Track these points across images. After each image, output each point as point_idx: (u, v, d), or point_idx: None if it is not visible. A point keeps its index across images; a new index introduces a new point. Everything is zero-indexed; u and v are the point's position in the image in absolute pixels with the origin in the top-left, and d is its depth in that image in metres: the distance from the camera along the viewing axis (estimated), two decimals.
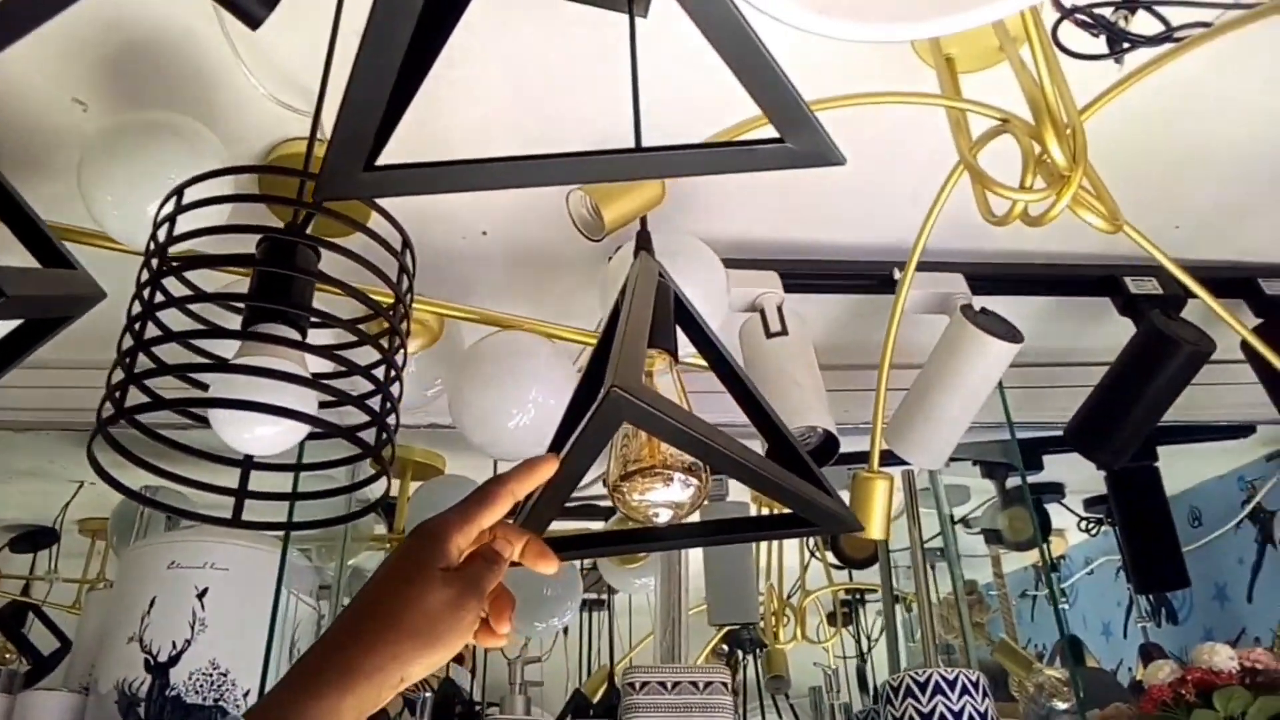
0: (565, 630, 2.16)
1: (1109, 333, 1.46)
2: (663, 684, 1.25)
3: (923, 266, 1.42)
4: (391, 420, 0.77)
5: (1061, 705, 1.86)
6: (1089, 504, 2.34)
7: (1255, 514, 2.17)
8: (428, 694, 1.45)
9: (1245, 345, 1.30)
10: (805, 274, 1.40)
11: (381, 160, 0.67)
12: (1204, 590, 2.31)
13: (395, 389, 0.77)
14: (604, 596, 2.25)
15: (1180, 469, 2.31)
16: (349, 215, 0.80)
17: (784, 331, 1.29)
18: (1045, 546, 2.37)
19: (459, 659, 2.08)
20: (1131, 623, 2.43)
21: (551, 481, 0.65)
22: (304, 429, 0.75)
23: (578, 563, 2.00)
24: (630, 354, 0.60)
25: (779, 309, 1.32)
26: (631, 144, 0.76)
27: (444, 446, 1.87)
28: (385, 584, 0.55)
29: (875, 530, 1.17)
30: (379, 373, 0.76)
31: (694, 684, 1.25)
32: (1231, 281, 1.47)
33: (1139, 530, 1.78)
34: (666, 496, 0.74)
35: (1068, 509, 2.35)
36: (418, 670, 0.53)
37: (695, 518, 0.82)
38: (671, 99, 1.03)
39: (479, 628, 0.57)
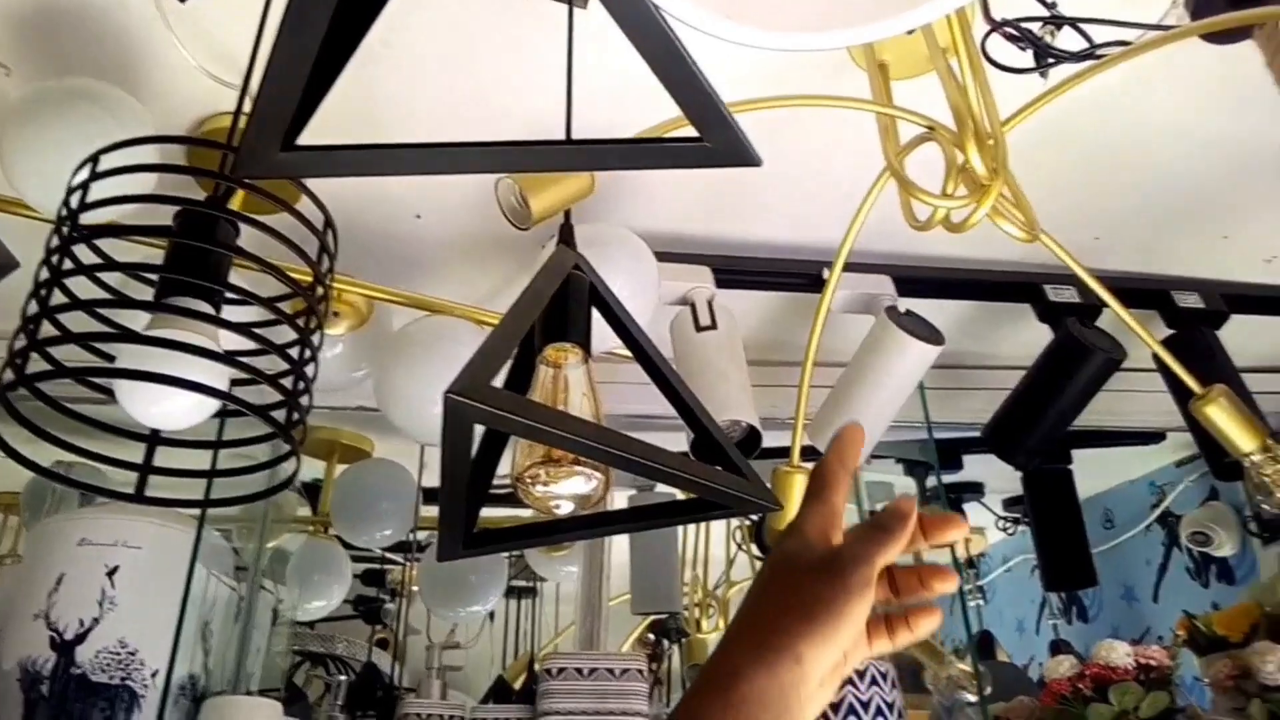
0: (491, 617, 2.16)
1: (1028, 338, 1.50)
2: (579, 670, 1.26)
3: (852, 268, 1.45)
4: (305, 400, 0.76)
5: (969, 697, 1.92)
6: (1008, 504, 2.41)
7: (1164, 518, 2.26)
8: (342, 677, 1.44)
9: (1157, 355, 1.35)
10: (737, 270, 1.41)
11: (307, 139, 0.67)
12: (1113, 590, 2.40)
13: (310, 369, 0.77)
14: (533, 584, 2.26)
15: (1095, 473, 2.38)
16: (272, 192, 0.79)
17: (713, 326, 1.31)
18: (959, 545, 2.44)
19: (383, 643, 2.08)
20: (1044, 620, 2.51)
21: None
22: (213, 405, 0.74)
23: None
24: (487, 356, 0.61)
25: (709, 304, 1.33)
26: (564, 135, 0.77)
27: (374, 430, 1.85)
28: (758, 583, 0.57)
29: None
30: (295, 352, 0.76)
31: (610, 671, 1.26)
32: (1146, 293, 1.52)
33: (1051, 530, 1.83)
34: (568, 489, 0.75)
35: (987, 508, 2.41)
36: (810, 651, 0.51)
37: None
38: (609, 91, 1.03)
39: (890, 619, 0.56)
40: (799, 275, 1.43)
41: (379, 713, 1.57)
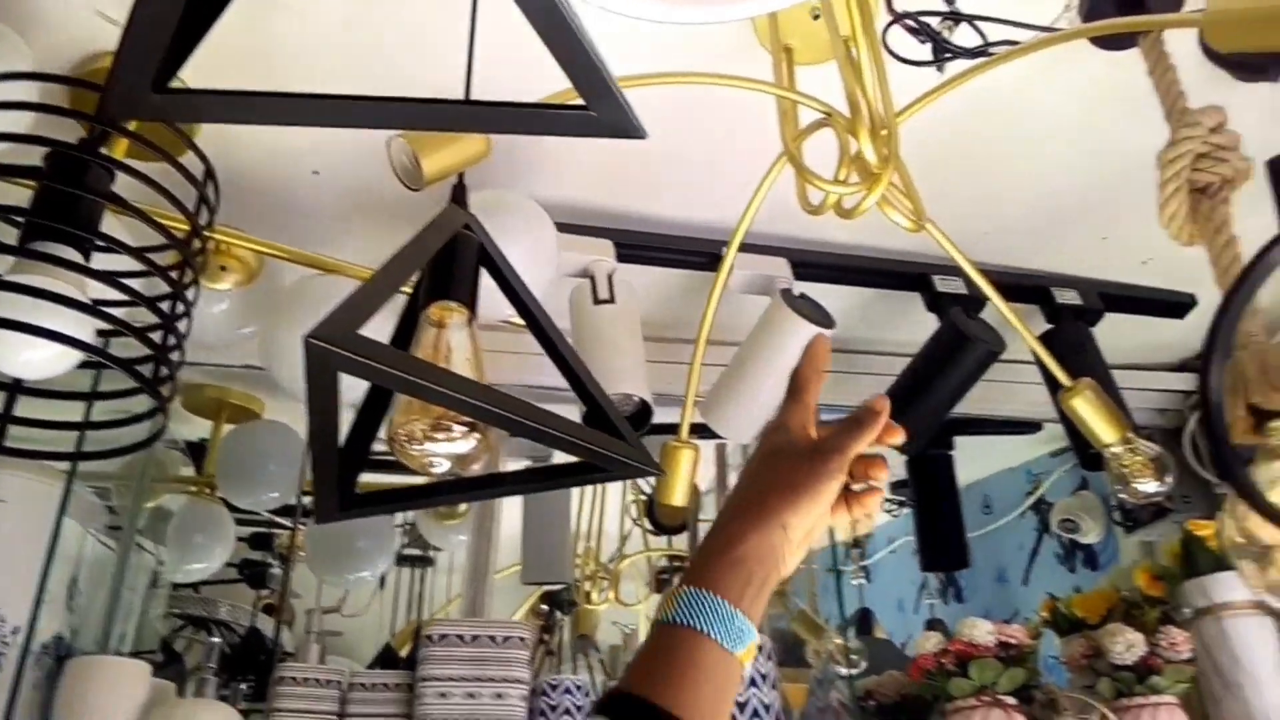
0: (383, 584, 2.15)
1: (917, 327, 1.55)
2: (460, 637, 1.26)
3: (750, 249, 1.47)
4: (176, 356, 0.74)
5: (845, 671, 1.99)
6: (895, 487, 2.49)
7: (1037, 505, 2.36)
8: (216, 640, 1.42)
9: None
10: (639, 245, 1.42)
11: (198, 83, 0.64)
12: (987, 573, 2.50)
13: (183, 324, 0.74)
14: (426, 553, 2.24)
15: (977, 460, 2.48)
16: (152, 140, 0.76)
17: (611, 299, 1.31)
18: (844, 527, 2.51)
19: (270, 609, 2.04)
20: (922, 600, 2.61)
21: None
22: (77, 356, 0.71)
23: (396, 516, 1.99)
24: (355, 304, 0.61)
25: (609, 277, 1.34)
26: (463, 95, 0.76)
27: (264, 390, 1.80)
28: (748, 468, 0.69)
29: (677, 496, 1.21)
30: (168, 306, 0.73)
31: (492, 638, 1.27)
32: (1029, 288, 1.58)
33: (930, 513, 1.90)
34: (445, 448, 0.74)
35: None
36: (795, 520, 0.63)
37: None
38: (512, 55, 1.02)
39: (847, 501, 0.68)
40: (699, 254, 1.45)
41: (259, 678, 1.54)
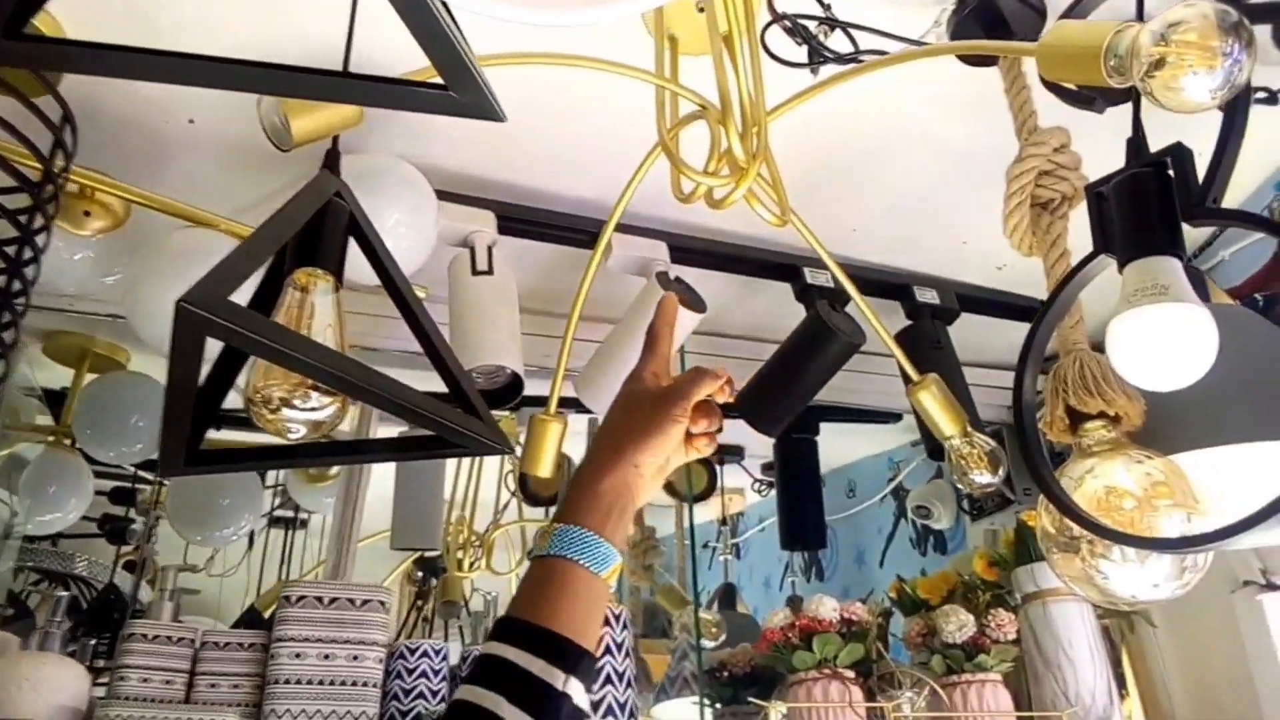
0: (251, 543, 2.12)
1: (789, 316, 1.61)
2: (319, 599, 1.27)
3: (631, 230, 1.51)
4: (22, 302, 0.73)
5: (709, 643, 2.06)
6: (765, 468, 2.58)
7: (897, 491, 2.48)
8: (64, 593, 1.39)
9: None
10: (521, 219, 1.44)
11: (75, 33, 0.64)
12: (848, 554, 2.62)
13: (31, 270, 0.73)
14: (297, 515, 2.22)
15: (844, 447, 2.59)
16: (6, 79, 0.74)
17: (490, 271, 1.33)
18: (720, 501, 2.59)
19: (132, 565, 1.99)
20: (787, 578, 2.72)
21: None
22: None
23: (266, 476, 1.96)
24: (228, 270, 0.62)
25: (489, 248, 1.35)
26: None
27: (130, 340, 1.76)
28: (609, 413, 0.76)
29: (543, 468, 1.25)
30: (14, 250, 0.72)
31: (351, 601, 1.28)
32: (892, 286, 1.67)
33: (792, 494, 1.99)
34: (302, 414, 0.76)
35: (746, 470, 2.57)
36: (645, 459, 0.72)
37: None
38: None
39: (690, 440, 0.76)
40: (581, 231, 1.48)
41: (115, 635, 1.51)
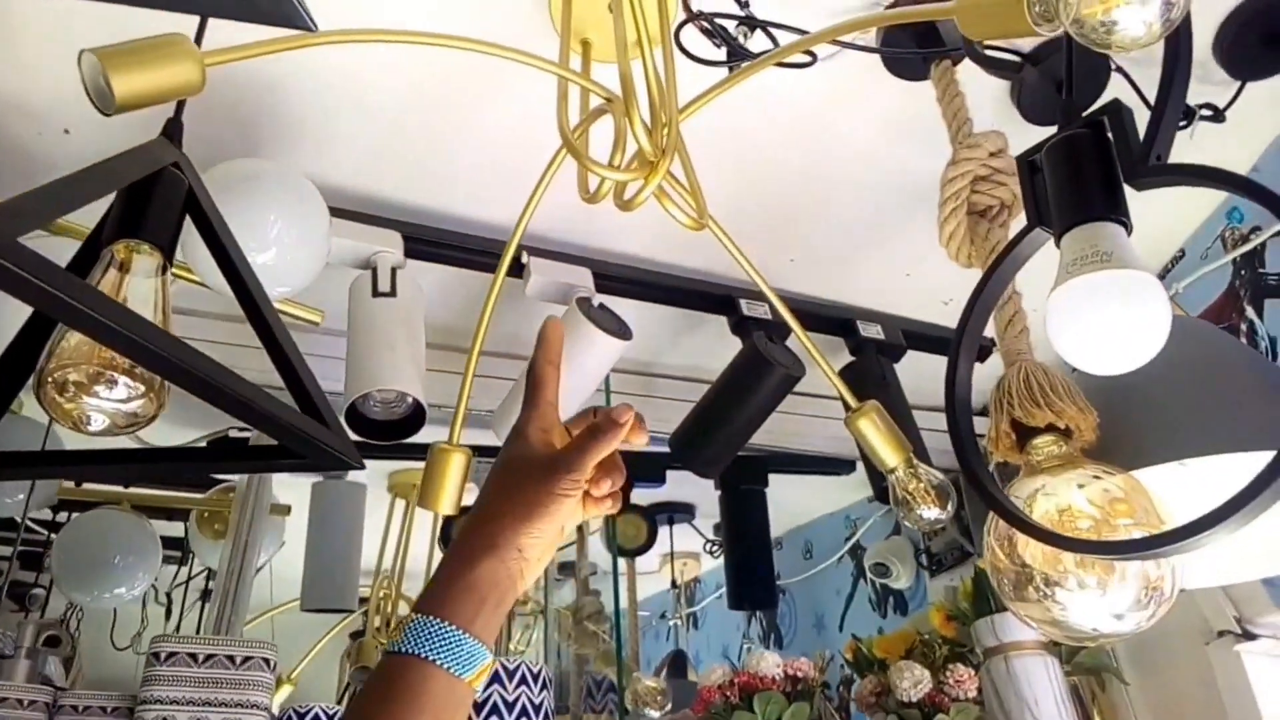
0: (168, 609, 1.96)
1: (725, 354, 1.52)
2: (192, 656, 1.13)
3: (553, 255, 1.42)
4: None
5: (654, 713, 1.91)
6: (718, 528, 2.46)
7: (854, 550, 2.37)
8: None
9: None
10: (431, 241, 1.34)
11: None
12: (806, 618, 2.49)
13: None
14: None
15: (800, 506, 2.48)
16: None
17: (392, 293, 1.23)
18: (670, 565, 2.46)
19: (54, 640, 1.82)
20: (745, 646, 2.58)
21: None
22: None
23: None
24: (16, 210, 0.51)
25: (392, 270, 1.25)
26: None
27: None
28: (488, 483, 0.65)
29: (444, 504, 1.12)
30: None
31: (229, 659, 1.14)
32: (834, 320, 1.58)
33: (739, 549, 1.87)
34: (105, 401, 0.64)
35: (697, 531, 2.45)
36: (529, 542, 0.62)
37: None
38: None
39: (589, 500, 0.66)
40: (497, 255, 1.37)
41: None
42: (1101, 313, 0.63)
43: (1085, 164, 0.68)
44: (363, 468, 0.72)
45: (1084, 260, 0.64)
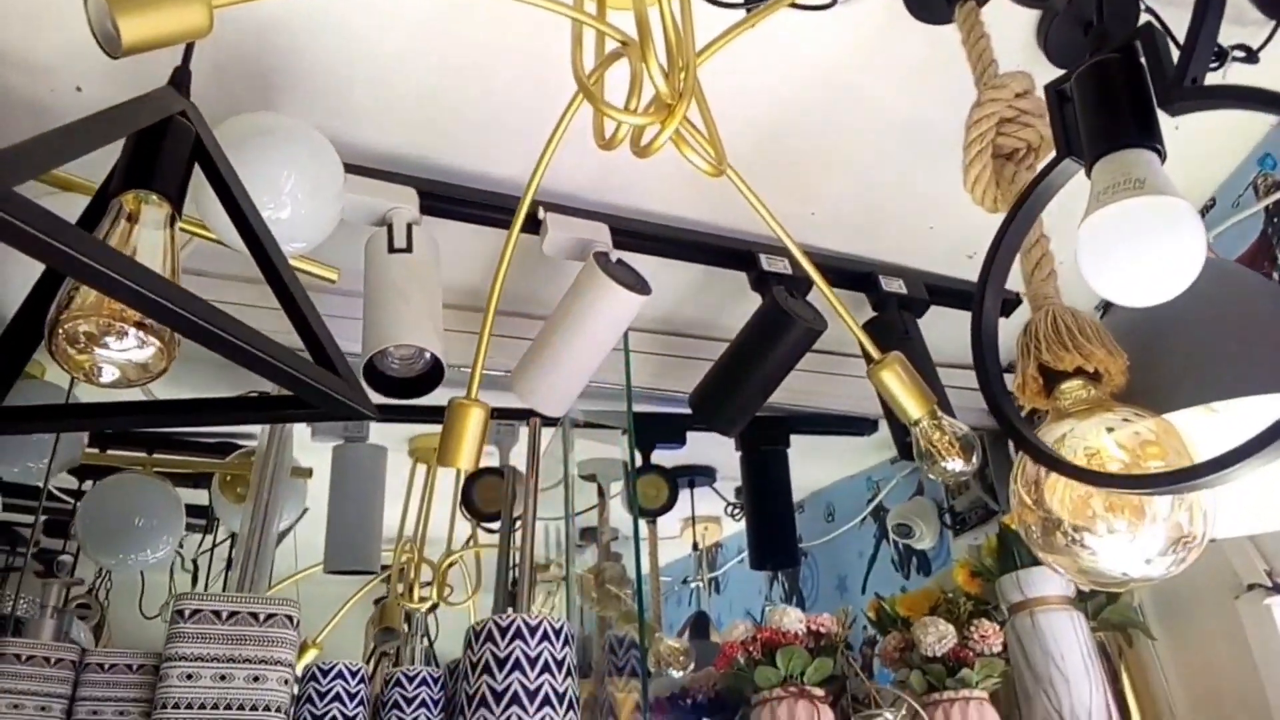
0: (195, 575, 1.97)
1: (744, 313, 1.50)
2: (216, 614, 1.13)
3: (570, 212, 1.40)
4: None
5: (676, 673, 1.91)
6: (740, 491, 2.45)
7: (877, 511, 2.35)
8: None
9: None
10: (447, 197, 1.33)
11: None
12: (829, 581, 2.48)
13: None
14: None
15: (822, 470, 2.47)
16: None
17: (408, 249, 1.22)
18: (691, 529, 2.46)
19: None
20: (767, 609, 2.57)
21: None
22: None
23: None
24: (12, 159, 0.50)
25: (408, 226, 1.24)
26: None
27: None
28: None
29: (463, 459, 1.11)
30: None
31: (253, 615, 1.14)
32: (856, 275, 1.55)
33: (761, 509, 1.86)
34: (116, 352, 0.64)
35: (719, 494, 2.44)
36: None
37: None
38: None
39: None
40: (513, 210, 1.36)
41: None
42: (1134, 241, 0.61)
43: (1117, 89, 0.66)
44: (376, 417, 0.71)
45: (1116, 188, 0.62)
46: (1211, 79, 0.76)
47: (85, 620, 1.82)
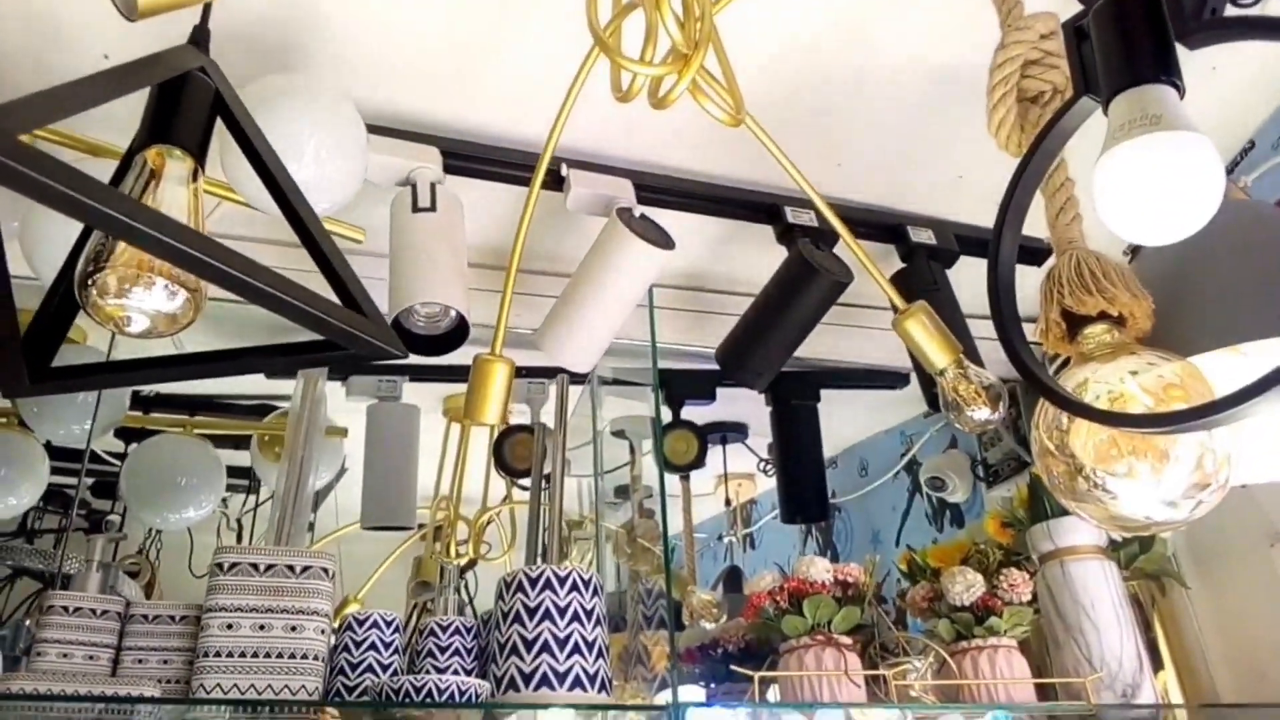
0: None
1: (773, 263, 1.49)
2: (254, 566, 1.16)
3: (594, 168, 1.40)
4: None
5: (709, 625, 1.94)
6: (772, 448, 2.45)
7: (910, 466, 2.35)
8: None
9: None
10: (470, 156, 1.33)
11: None
12: (863, 534, 2.49)
13: None
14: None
15: (854, 425, 2.46)
16: None
17: (432, 208, 1.23)
18: (724, 485, 2.47)
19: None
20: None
21: None
22: None
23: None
24: (28, 109, 0.52)
25: (432, 186, 1.25)
26: None
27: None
28: None
29: (489, 414, 1.13)
30: None
31: (290, 568, 1.17)
32: (884, 226, 1.54)
33: (791, 462, 1.86)
34: (145, 302, 0.65)
35: (751, 450, 2.44)
36: None
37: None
38: None
39: None
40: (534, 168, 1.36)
41: None
42: (1150, 178, 0.60)
43: (1135, 24, 0.64)
44: (405, 355, 0.73)
45: (1133, 124, 0.61)
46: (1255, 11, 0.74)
47: (136, 579, 1.88)
